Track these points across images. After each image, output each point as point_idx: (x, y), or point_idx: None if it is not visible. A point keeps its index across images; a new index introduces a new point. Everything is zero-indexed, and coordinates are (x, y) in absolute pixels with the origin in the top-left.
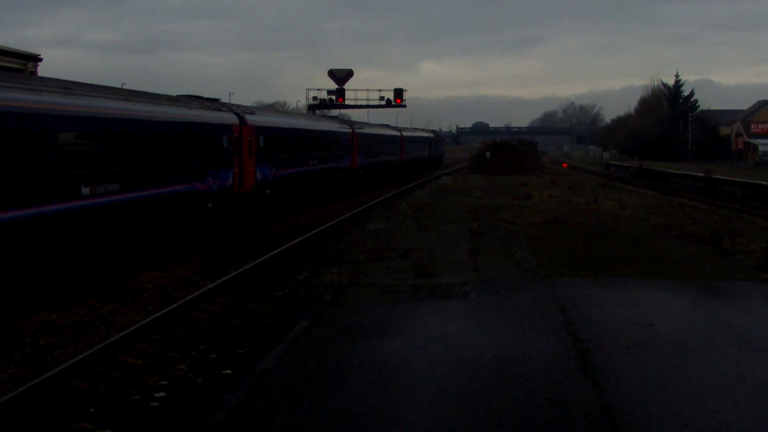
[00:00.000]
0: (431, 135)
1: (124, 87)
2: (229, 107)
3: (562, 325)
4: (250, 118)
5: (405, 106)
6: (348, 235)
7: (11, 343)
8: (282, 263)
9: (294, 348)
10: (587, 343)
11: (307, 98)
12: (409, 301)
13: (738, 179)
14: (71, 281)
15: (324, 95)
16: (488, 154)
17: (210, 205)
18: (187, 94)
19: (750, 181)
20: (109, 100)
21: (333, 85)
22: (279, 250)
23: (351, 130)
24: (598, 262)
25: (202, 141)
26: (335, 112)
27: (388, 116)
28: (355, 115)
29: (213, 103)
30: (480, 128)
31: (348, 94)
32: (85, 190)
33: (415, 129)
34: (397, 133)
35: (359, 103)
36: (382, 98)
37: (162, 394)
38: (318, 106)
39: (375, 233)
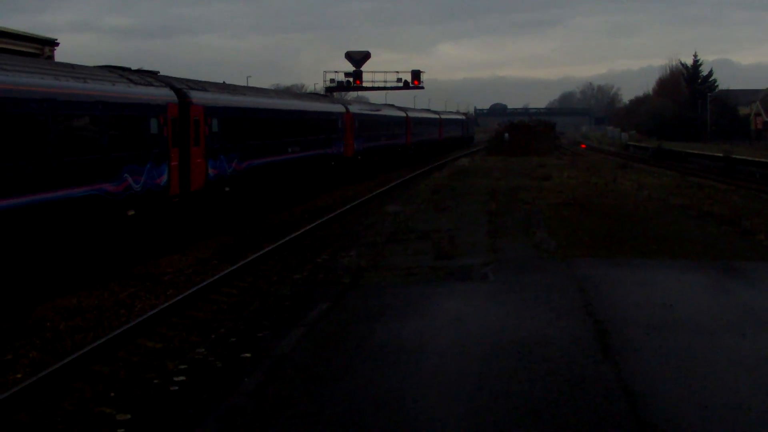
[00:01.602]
0: (464, 117)
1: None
2: (338, 100)
3: (581, 305)
4: (351, 108)
5: (423, 88)
6: (369, 217)
7: (32, 327)
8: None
9: (313, 331)
10: (606, 323)
11: (325, 80)
12: (428, 283)
13: (757, 159)
14: (91, 265)
15: (341, 77)
16: (506, 135)
17: (333, 163)
18: (313, 92)
19: None
20: (292, 99)
21: (350, 68)
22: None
23: (405, 115)
24: (617, 243)
25: (329, 123)
26: (353, 94)
27: (405, 99)
28: (373, 97)
29: (329, 98)
30: (498, 110)
31: (365, 76)
32: (288, 149)
33: (450, 112)
34: (437, 116)
35: (377, 85)
36: (399, 80)
37: (182, 378)
38: (335, 89)
39: (394, 215)
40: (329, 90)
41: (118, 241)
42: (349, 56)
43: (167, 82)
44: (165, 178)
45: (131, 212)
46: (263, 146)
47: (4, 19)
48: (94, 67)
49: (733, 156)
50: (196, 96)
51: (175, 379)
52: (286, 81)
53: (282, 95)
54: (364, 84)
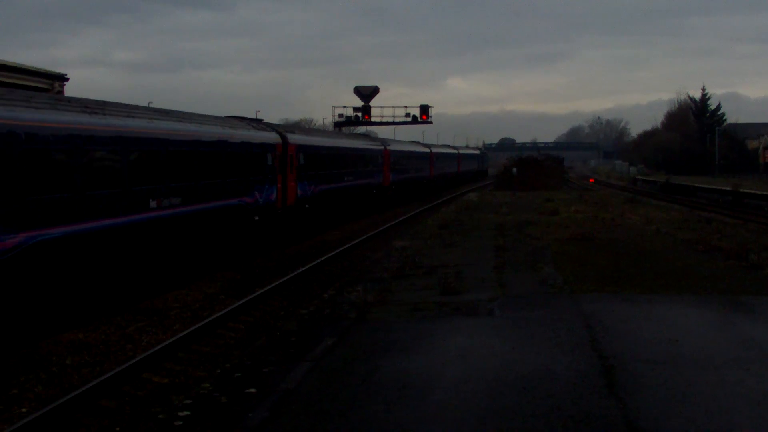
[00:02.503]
0: (478, 152)
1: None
2: (378, 139)
3: (587, 341)
4: (387, 146)
5: (431, 122)
6: (372, 255)
7: (38, 362)
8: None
9: (318, 366)
10: (612, 359)
11: (333, 115)
12: (434, 319)
13: (766, 193)
14: (98, 301)
15: (350, 112)
16: (514, 170)
17: (374, 191)
18: (360, 132)
19: None
20: (346, 139)
21: (359, 102)
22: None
23: (429, 151)
24: (623, 278)
25: (372, 159)
26: (361, 129)
27: (414, 133)
28: (381, 131)
29: (371, 137)
30: (506, 144)
31: (374, 111)
32: (345, 179)
33: (467, 148)
34: (455, 151)
35: (385, 119)
36: (408, 115)
37: (186, 413)
38: (344, 123)
39: (401, 250)
40: (337, 125)
41: (250, 237)
42: (358, 91)
43: (272, 127)
44: (274, 195)
45: (256, 218)
46: (330, 175)
47: (15, 55)
48: (225, 117)
49: (742, 190)
50: (291, 137)
51: (180, 414)
52: (294, 115)
53: (339, 135)
54: (373, 119)
